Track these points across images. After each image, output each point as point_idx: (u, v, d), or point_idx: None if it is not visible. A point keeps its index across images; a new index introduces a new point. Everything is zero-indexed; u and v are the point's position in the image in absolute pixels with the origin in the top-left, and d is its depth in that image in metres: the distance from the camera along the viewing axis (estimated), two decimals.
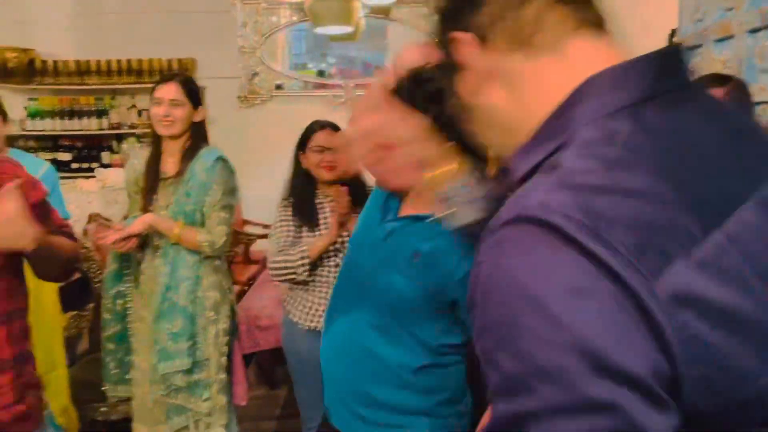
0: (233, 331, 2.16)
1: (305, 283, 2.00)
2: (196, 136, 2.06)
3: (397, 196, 1.30)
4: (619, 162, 0.46)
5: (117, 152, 5.03)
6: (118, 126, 5.00)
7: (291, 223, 2.04)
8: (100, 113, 4.98)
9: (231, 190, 2.06)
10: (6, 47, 4.69)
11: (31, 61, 4.79)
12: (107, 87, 4.94)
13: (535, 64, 0.56)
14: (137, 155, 2.16)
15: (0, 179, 1.22)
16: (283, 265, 1.96)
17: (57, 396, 2.06)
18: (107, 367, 2.17)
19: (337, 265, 1.99)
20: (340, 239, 1.98)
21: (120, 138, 5.05)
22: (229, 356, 2.13)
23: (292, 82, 5.11)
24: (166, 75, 2.13)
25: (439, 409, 1.27)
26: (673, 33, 2.59)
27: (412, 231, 1.23)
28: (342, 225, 1.94)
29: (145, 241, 2.04)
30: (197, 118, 2.06)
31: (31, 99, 4.93)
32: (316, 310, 2.00)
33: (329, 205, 2.04)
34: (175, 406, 2.03)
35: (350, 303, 1.30)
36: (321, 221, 2.03)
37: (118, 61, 4.89)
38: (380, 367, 1.25)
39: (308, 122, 2.14)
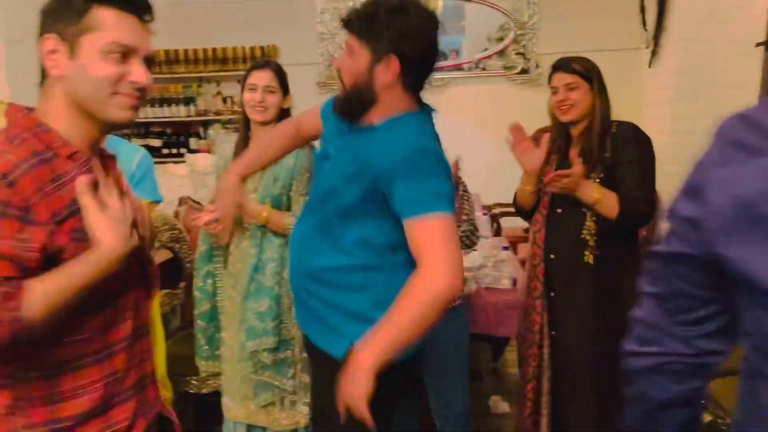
0: None
1: None
2: None
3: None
4: None
5: (204, 138, 5.23)
6: (205, 113, 5.20)
7: None
8: (188, 101, 5.18)
9: None
10: None
11: None
12: (194, 75, 5.13)
13: None
14: (224, 140, 2.22)
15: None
16: None
17: (156, 369, 2.17)
18: (199, 343, 2.25)
19: None
20: None
21: (206, 124, 5.24)
22: None
23: None
24: (258, 61, 2.13)
25: (377, 312, 1.28)
26: None
27: (356, 140, 1.40)
28: None
29: (235, 223, 2.10)
30: (285, 105, 2.09)
31: None
32: None
33: None
34: (262, 383, 2.08)
35: (308, 209, 1.51)
36: None
37: (204, 50, 5.06)
38: (321, 266, 1.40)
39: None
